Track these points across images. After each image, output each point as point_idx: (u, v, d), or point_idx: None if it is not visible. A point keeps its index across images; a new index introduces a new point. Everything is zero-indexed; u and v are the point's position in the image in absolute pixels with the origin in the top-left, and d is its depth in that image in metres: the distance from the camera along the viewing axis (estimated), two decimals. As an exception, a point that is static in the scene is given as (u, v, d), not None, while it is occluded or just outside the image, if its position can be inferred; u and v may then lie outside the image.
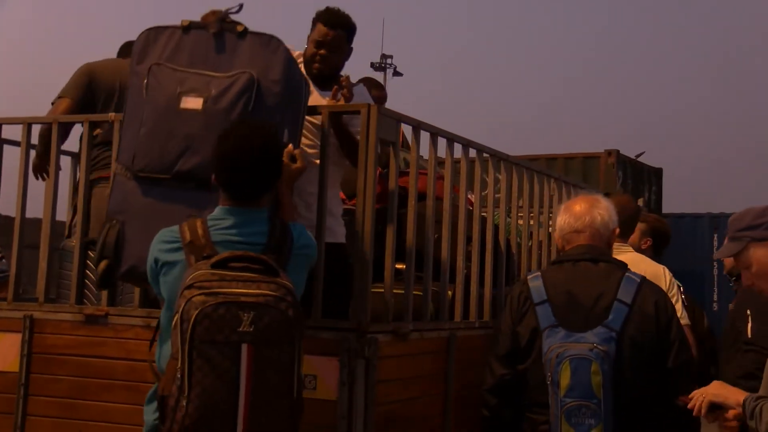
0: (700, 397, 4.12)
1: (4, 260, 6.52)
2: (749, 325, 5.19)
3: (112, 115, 5.76)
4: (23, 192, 6.00)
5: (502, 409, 4.84)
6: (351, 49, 5.83)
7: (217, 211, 4.23)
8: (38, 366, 5.52)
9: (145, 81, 4.83)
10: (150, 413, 4.23)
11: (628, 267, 4.84)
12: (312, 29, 5.68)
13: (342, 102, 5.39)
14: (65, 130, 6.21)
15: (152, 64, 4.84)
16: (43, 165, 6.29)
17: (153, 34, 4.93)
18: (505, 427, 4.89)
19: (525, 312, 4.74)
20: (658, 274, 6.22)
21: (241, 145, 4.15)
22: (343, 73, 5.74)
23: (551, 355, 4.46)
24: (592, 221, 4.84)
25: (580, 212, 4.88)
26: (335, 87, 5.47)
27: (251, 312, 3.75)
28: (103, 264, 4.92)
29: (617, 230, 5.08)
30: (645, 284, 4.66)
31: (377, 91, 7.04)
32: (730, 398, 4.07)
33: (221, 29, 4.82)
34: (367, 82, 6.56)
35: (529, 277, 4.91)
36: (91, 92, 6.30)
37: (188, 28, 4.93)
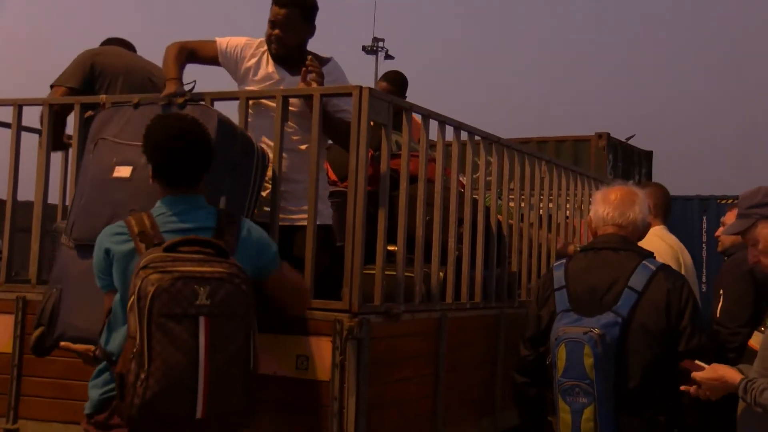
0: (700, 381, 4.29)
1: None
2: (720, 305, 5.26)
3: (103, 97, 5.74)
4: (14, 175, 6.01)
5: (528, 387, 5.01)
6: (312, 26, 5.79)
7: (159, 204, 4.33)
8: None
9: (90, 156, 5.04)
10: (95, 389, 4.24)
11: (654, 256, 4.86)
12: (270, 11, 5.66)
13: (314, 85, 5.37)
14: (63, 117, 6.23)
15: (99, 139, 5.00)
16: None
17: (109, 113, 5.10)
18: (532, 403, 5.05)
19: (547, 297, 4.86)
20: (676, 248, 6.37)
21: (171, 133, 4.26)
22: (316, 54, 5.77)
23: (552, 337, 4.59)
24: (632, 218, 4.90)
25: (619, 205, 4.93)
26: (303, 69, 5.49)
27: (207, 286, 3.86)
28: (38, 331, 5.01)
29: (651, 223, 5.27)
30: (661, 272, 4.67)
31: (390, 84, 7.12)
32: (726, 374, 4.24)
33: (168, 102, 4.95)
34: (387, 80, 6.60)
35: (554, 265, 5.03)
36: (91, 79, 6.28)
37: (138, 104, 5.07)
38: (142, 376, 3.75)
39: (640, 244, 5.02)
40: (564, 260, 5.03)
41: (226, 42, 5.63)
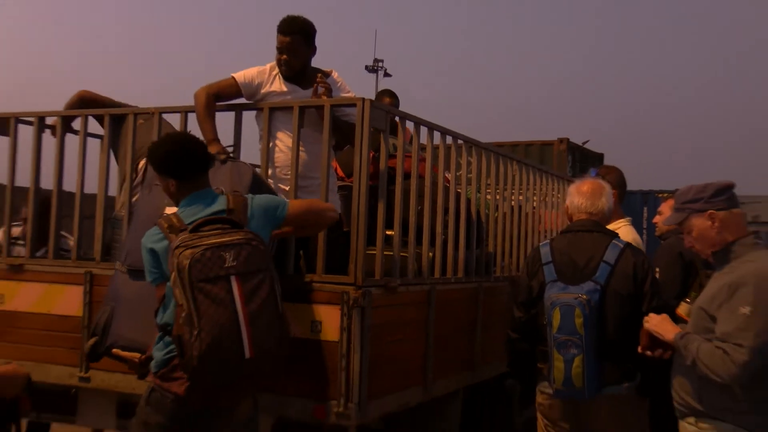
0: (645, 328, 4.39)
1: (63, 239, 6.46)
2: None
3: (152, 108, 5.78)
4: (82, 172, 5.99)
5: (519, 342, 5.03)
6: (314, 47, 5.74)
7: (180, 206, 4.42)
8: (97, 311, 5.47)
9: (146, 198, 5.25)
10: (158, 351, 4.26)
11: (618, 236, 4.99)
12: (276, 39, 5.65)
13: (324, 97, 5.36)
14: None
15: (153, 184, 5.09)
16: None
17: None
18: (522, 354, 5.05)
19: (536, 270, 4.92)
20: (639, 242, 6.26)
21: (174, 144, 4.45)
22: (321, 69, 5.71)
23: (547, 303, 4.69)
24: (600, 206, 5.02)
25: (590, 196, 5.05)
26: (315, 85, 5.50)
27: (231, 251, 3.97)
28: (92, 340, 5.05)
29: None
30: (628, 249, 4.81)
31: (389, 99, 7.08)
32: (666, 333, 4.24)
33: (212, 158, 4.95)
34: (382, 94, 6.54)
35: (541, 244, 5.09)
36: None
37: None
38: (195, 332, 3.83)
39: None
40: (548, 241, 5.10)
41: (242, 76, 5.57)
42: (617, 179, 6.45)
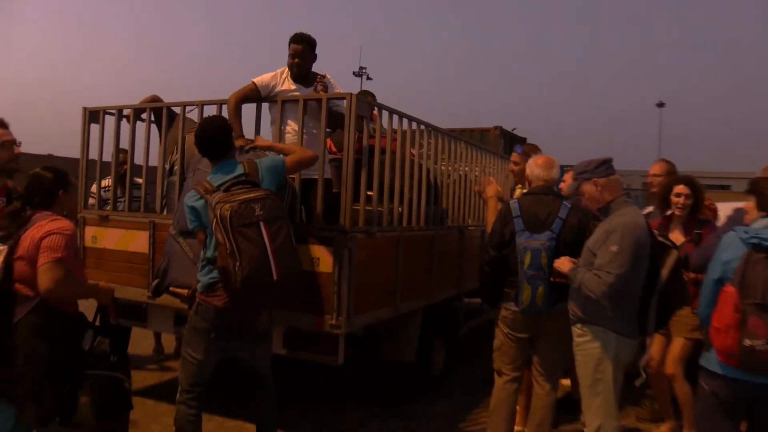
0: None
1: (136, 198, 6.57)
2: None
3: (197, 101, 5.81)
4: (146, 151, 6.06)
5: (493, 276, 5.01)
6: (315, 55, 5.76)
7: (210, 174, 4.42)
8: (159, 249, 5.65)
9: (190, 179, 5.22)
10: (203, 276, 4.32)
11: (568, 198, 5.02)
12: (289, 48, 5.65)
13: (321, 93, 5.40)
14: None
15: (195, 168, 5.22)
16: None
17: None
18: (493, 283, 5.04)
19: (508, 221, 4.89)
20: None
21: (205, 127, 4.45)
22: (319, 73, 5.71)
23: (520, 247, 4.70)
24: (552, 176, 5.06)
25: (545, 168, 5.07)
26: (315, 83, 5.55)
27: (258, 203, 4.05)
28: (155, 282, 5.38)
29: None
30: (573, 208, 4.83)
31: (371, 97, 7.17)
32: (564, 267, 4.44)
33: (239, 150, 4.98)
34: (364, 93, 6.60)
35: (510, 202, 5.05)
36: None
37: None
38: (237, 263, 3.94)
39: None
40: (516, 199, 5.08)
41: (260, 80, 5.55)
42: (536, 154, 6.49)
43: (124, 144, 6.22)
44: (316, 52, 5.77)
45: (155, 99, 6.34)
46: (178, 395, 4.35)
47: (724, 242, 3.71)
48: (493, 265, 4.98)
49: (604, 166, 4.45)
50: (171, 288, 5.25)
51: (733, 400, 3.63)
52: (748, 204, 4.07)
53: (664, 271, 4.40)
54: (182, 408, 4.33)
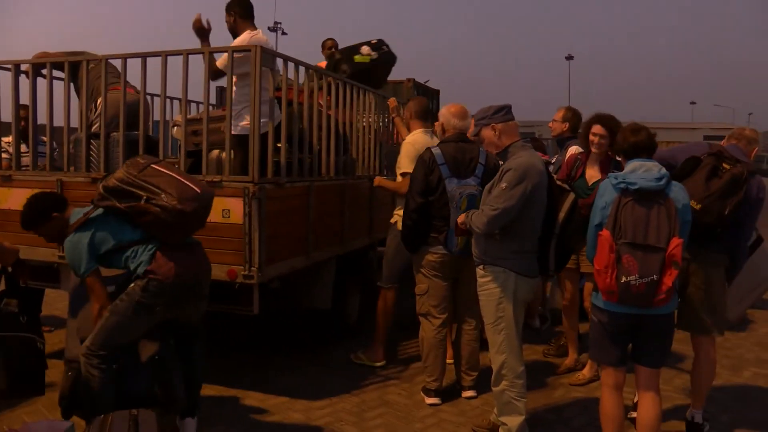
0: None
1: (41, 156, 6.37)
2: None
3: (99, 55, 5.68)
4: (50, 107, 5.86)
5: (420, 222, 5.20)
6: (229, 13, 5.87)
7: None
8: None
9: None
10: (136, 260, 4.02)
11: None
12: None
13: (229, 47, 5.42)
14: None
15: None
16: None
17: None
18: (421, 232, 5.25)
19: (433, 168, 5.10)
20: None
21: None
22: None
23: (455, 193, 5.03)
24: (466, 124, 5.33)
25: (460, 117, 5.33)
26: None
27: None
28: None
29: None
30: (488, 153, 5.07)
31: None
32: (459, 218, 4.73)
33: None
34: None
35: (432, 149, 5.21)
36: None
37: None
38: (162, 195, 3.91)
39: None
40: (436, 146, 5.26)
41: None
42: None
43: (25, 100, 6.04)
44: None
45: (48, 54, 6.15)
46: (84, 358, 3.96)
47: (600, 189, 4.10)
48: (420, 212, 5.15)
49: (502, 111, 4.58)
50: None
51: (618, 329, 4.05)
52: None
53: (561, 214, 4.62)
54: (95, 372, 3.94)
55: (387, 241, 6.31)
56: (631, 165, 4.00)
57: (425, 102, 6.61)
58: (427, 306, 5.39)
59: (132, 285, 3.97)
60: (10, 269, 4.18)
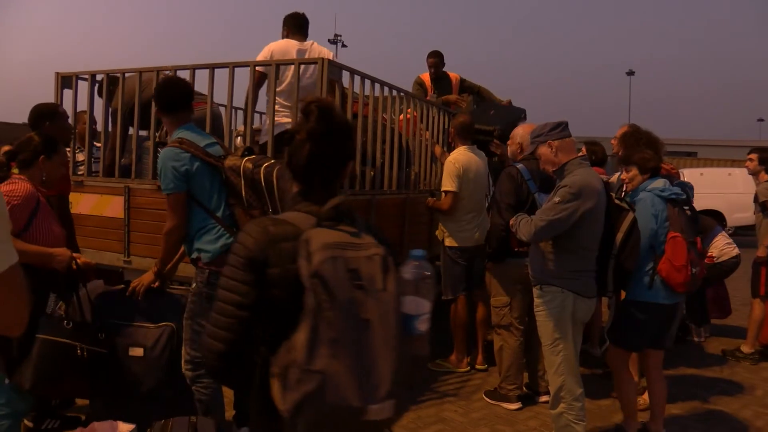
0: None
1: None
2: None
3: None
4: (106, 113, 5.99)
5: (507, 236, 5.11)
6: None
7: (180, 130, 4.23)
8: (134, 214, 5.69)
9: None
10: (211, 244, 4.06)
11: None
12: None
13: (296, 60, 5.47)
14: None
15: None
16: None
17: None
18: (505, 246, 5.25)
19: (521, 183, 5.28)
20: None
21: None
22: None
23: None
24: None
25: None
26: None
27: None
28: None
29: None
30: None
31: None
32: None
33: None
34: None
35: (517, 165, 5.37)
36: None
37: None
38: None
39: None
40: (520, 163, 5.40)
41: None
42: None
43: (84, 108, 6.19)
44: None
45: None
46: (188, 373, 4.07)
47: (646, 201, 4.77)
48: (506, 223, 5.11)
49: (559, 128, 4.50)
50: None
51: (666, 317, 4.83)
52: (630, 174, 5.07)
53: (619, 234, 4.56)
54: (200, 386, 4.06)
55: (441, 255, 6.43)
56: (660, 181, 4.88)
57: (468, 121, 6.62)
58: (509, 318, 5.56)
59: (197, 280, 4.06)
60: (75, 269, 4.18)
